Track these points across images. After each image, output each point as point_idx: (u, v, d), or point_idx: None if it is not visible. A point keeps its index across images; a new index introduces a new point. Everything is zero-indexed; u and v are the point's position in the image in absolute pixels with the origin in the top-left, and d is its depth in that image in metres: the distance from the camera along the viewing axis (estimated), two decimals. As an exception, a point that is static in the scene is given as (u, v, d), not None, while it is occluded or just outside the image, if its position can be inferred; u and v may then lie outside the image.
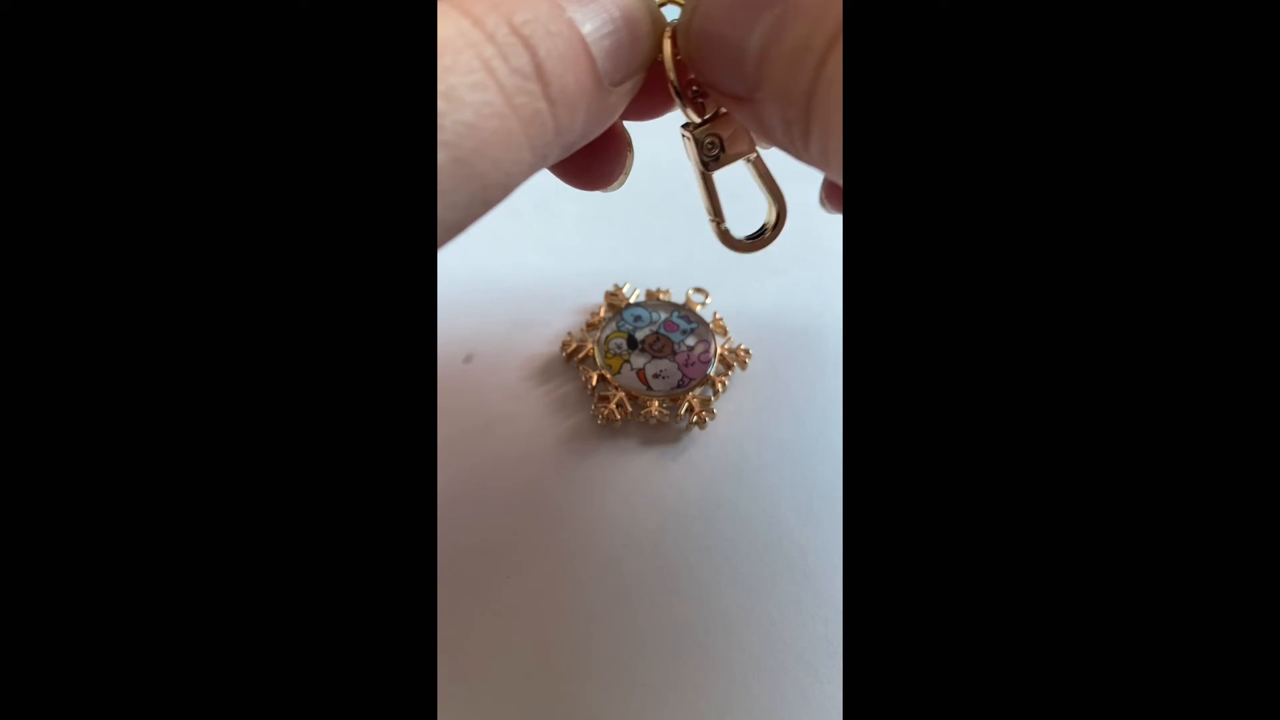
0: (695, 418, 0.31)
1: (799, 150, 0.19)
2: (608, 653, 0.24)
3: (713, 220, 0.23)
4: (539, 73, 0.17)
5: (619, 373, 0.32)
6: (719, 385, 0.31)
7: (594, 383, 0.31)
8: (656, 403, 0.31)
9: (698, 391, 0.31)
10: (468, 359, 0.32)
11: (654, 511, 0.27)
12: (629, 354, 0.32)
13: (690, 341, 0.32)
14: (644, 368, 0.32)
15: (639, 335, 0.32)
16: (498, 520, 0.28)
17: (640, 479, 0.28)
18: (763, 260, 0.35)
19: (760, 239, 0.24)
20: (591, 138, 0.20)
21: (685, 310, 0.33)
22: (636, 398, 0.31)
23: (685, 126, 0.22)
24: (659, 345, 0.32)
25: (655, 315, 0.33)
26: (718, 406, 0.31)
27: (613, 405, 0.31)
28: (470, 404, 0.31)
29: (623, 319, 0.33)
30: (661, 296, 0.33)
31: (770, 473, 0.28)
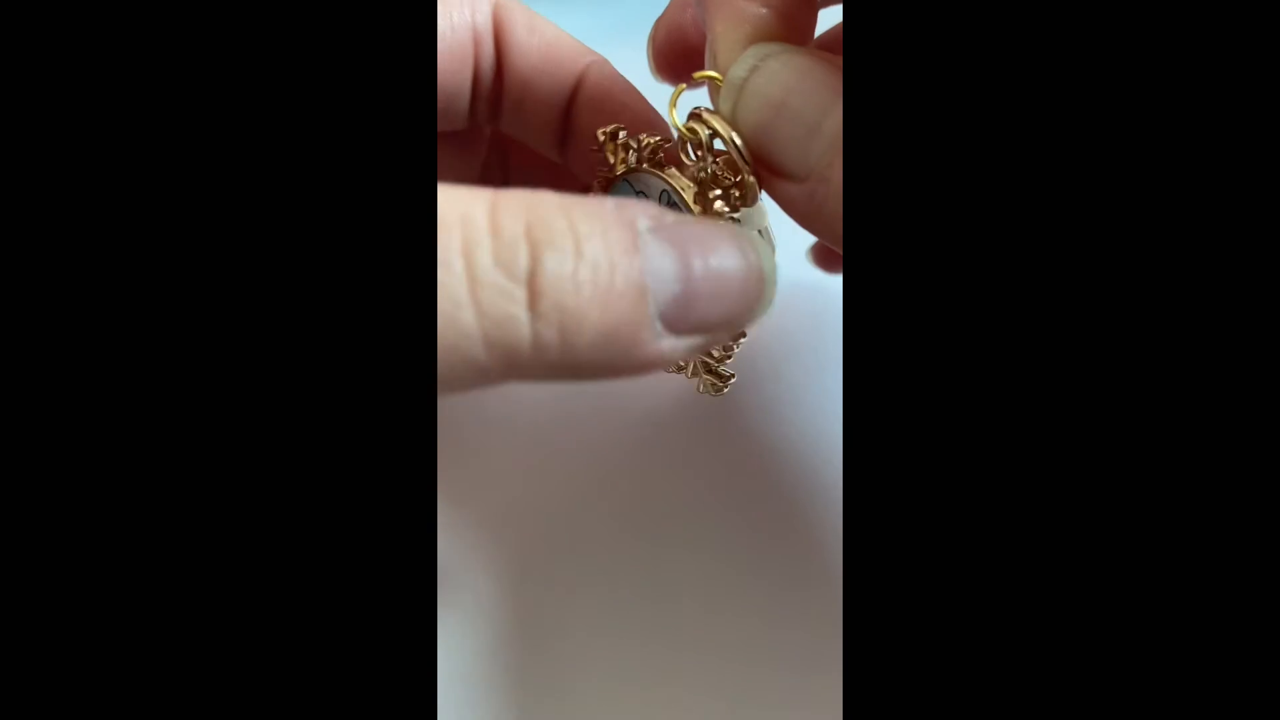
0: (701, 385, 0.24)
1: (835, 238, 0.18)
2: (605, 655, 0.24)
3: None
4: (530, 281, 0.15)
5: None
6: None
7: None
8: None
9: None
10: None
11: (653, 516, 0.27)
12: None
13: None
14: None
15: None
16: (498, 521, 0.28)
17: (640, 484, 0.28)
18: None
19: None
20: (620, 375, 0.17)
21: (678, 198, 0.26)
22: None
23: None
24: None
25: None
26: (713, 405, 0.30)
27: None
28: (470, 404, 0.31)
29: None
30: None
31: (769, 472, 0.28)
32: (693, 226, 0.17)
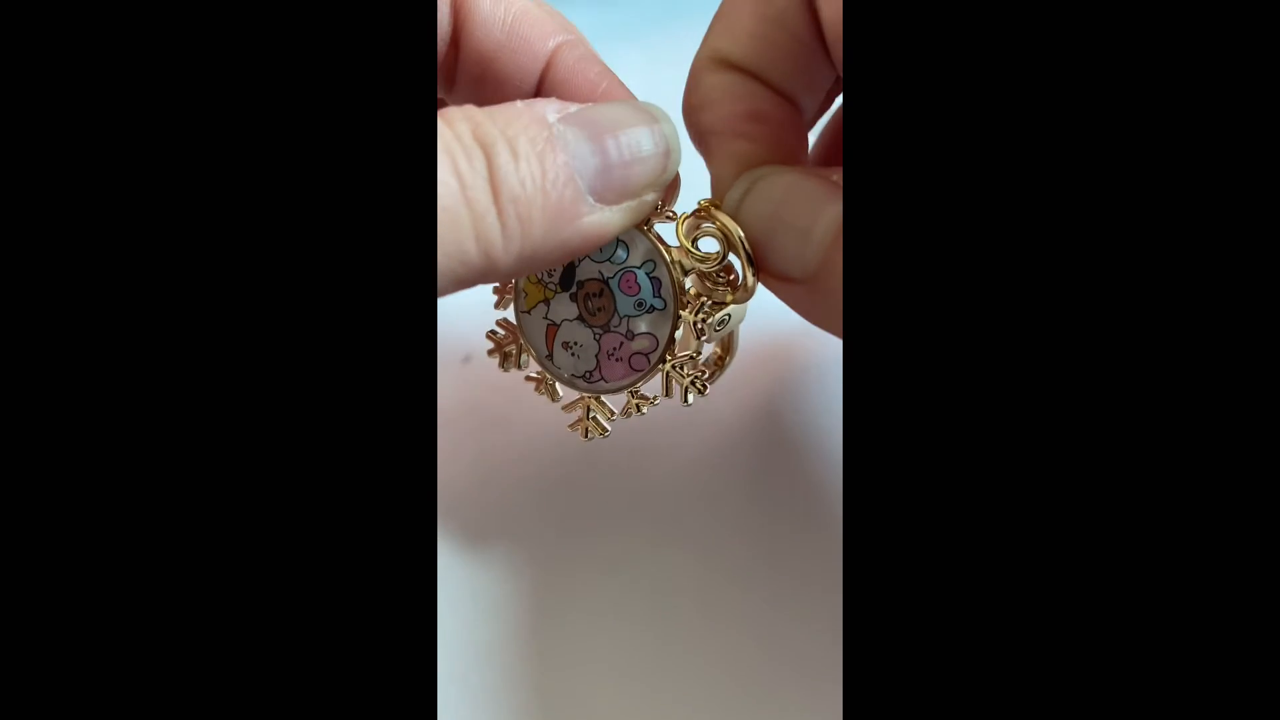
0: (581, 427, 0.23)
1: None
2: (606, 653, 0.24)
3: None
4: (490, 174, 0.17)
5: (530, 311, 0.23)
6: (635, 406, 0.22)
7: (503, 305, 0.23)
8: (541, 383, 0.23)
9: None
10: (467, 359, 0.32)
11: (656, 515, 0.27)
12: (555, 291, 0.22)
13: (642, 325, 0.22)
14: (560, 324, 0.22)
15: (580, 272, 0.22)
16: (498, 521, 0.28)
17: (642, 481, 0.28)
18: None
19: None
20: (572, 251, 0.19)
21: (664, 272, 0.21)
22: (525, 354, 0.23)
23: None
24: (597, 303, 0.22)
25: (621, 254, 0.22)
26: (714, 407, 0.30)
27: (501, 349, 0.24)
28: (470, 404, 0.31)
29: None
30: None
31: (769, 472, 0.28)
32: (598, 109, 0.19)
